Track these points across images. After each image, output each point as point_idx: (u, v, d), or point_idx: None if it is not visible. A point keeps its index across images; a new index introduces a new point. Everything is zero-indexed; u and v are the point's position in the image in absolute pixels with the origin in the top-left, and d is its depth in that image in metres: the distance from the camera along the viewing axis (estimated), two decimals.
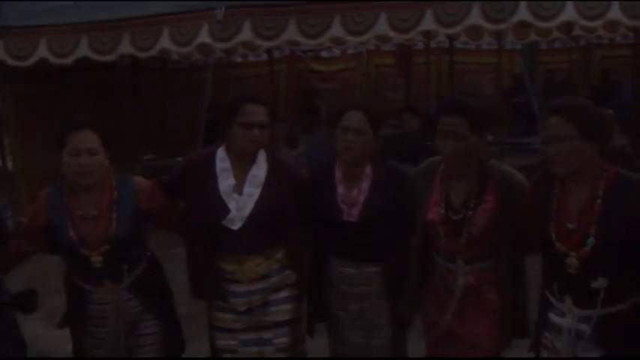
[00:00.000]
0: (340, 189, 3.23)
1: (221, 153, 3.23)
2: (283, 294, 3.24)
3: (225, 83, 10.62)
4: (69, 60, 7.67)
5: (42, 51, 7.65)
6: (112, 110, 10.13)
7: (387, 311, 3.26)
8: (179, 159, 11.10)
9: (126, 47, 7.49)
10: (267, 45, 7.99)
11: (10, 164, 9.81)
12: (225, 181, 3.15)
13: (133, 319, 3.13)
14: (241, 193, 3.13)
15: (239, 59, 12.09)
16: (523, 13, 6.56)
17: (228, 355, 3.26)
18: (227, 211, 3.10)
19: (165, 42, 7.31)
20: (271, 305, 3.22)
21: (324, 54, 12.57)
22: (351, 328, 3.30)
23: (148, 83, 10.86)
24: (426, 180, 3.07)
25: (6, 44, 7.75)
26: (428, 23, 6.77)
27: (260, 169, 3.18)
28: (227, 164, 3.19)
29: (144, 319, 3.16)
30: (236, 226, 3.09)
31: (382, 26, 6.77)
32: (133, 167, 10.63)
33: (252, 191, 3.14)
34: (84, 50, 7.58)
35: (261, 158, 3.21)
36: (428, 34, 9.90)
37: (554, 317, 2.68)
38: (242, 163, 3.18)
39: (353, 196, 3.20)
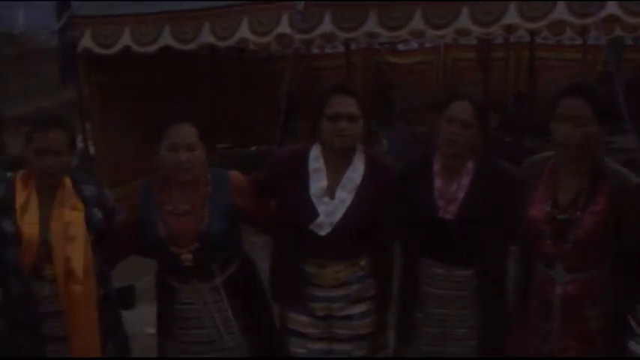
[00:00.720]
0: (438, 183, 3.00)
1: (315, 151, 3.05)
2: (365, 307, 3.06)
3: (302, 74, 10.67)
4: (152, 48, 7.78)
5: (126, 39, 7.77)
6: (190, 99, 10.34)
7: (472, 321, 3.03)
8: (253, 148, 11.41)
9: (206, 36, 7.55)
10: (347, 36, 7.95)
11: (91, 149, 10.10)
12: (317, 183, 2.98)
13: (221, 323, 3.00)
14: (333, 197, 2.96)
15: (316, 50, 12.12)
16: (612, 7, 6.32)
17: None
18: (316, 215, 2.93)
19: (244, 32, 7.34)
20: (352, 319, 3.06)
21: (400, 47, 12.44)
22: (427, 334, 3.09)
23: (226, 73, 11.01)
24: (532, 177, 2.86)
25: (92, 33, 7.91)
26: (511, 17, 6.59)
27: (356, 172, 2.99)
28: (320, 164, 3.01)
29: (230, 328, 3.02)
30: (323, 232, 2.93)
31: (464, 20, 6.61)
32: (209, 155, 10.83)
33: (345, 196, 2.96)
34: (166, 39, 7.67)
35: (358, 159, 3.02)
36: (508, 28, 9.67)
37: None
38: (337, 163, 3.00)
39: (451, 191, 2.97)
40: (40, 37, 24.27)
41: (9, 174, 2.97)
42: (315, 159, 3.03)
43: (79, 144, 13.76)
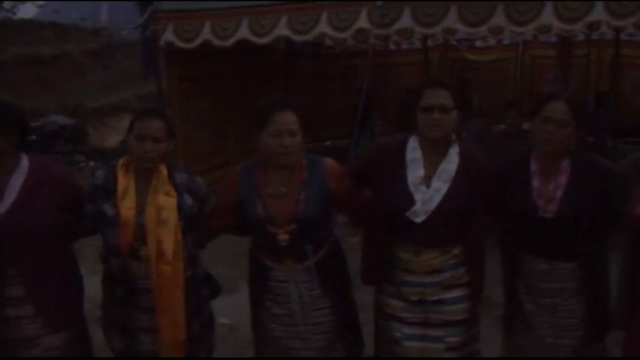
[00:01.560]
0: (536, 183, 3.10)
1: (413, 142, 3.15)
2: (458, 292, 3.13)
3: (379, 70, 10.64)
4: (229, 42, 7.88)
5: (206, 33, 7.92)
6: (266, 93, 10.46)
7: (582, 310, 3.12)
8: (328, 143, 11.46)
9: (283, 30, 7.60)
10: (426, 32, 7.89)
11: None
12: (415, 172, 3.07)
13: (310, 300, 3.14)
14: (429, 185, 3.04)
15: (392, 46, 12.08)
16: None
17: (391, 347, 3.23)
18: (412, 202, 3.02)
19: (323, 27, 7.35)
20: (446, 304, 3.12)
21: (478, 43, 12.29)
22: (541, 324, 3.19)
23: (302, 68, 11.10)
24: (635, 174, 2.92)
25: (174, 27, 8.08)
26: (598, 14, 6.38)
27: (451, 164, 3.07)
28: (418, 154, 3.10)
29: (320, 305, 3.16)
30: (419, 219, 3.01)
31: (547, 16, 6.46)
32: None
33: (440, 186, 3.03)
34: (243, 32, 7.76)
35: (454, 151, 3.09)
36: (591, 26, 9.39)
37: None
38: (433, 155, 3.09)
39: (549, 190, 3.06)
40: (122, 32, 25.04)
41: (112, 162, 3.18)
42: (413, 149, 3.13)
43: None
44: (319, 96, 11.13)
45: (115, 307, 3.19)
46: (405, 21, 6.93)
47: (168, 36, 8.12)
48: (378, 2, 6.88)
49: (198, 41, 8.01)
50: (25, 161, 3.07)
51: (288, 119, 2.97)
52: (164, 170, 3.07)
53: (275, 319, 3.20)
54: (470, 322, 3.20)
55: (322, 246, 3.15)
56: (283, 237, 3.03)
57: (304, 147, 3.09)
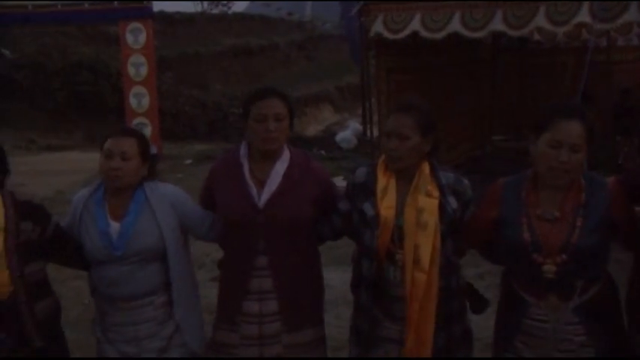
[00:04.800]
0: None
1: None
2: None
3: (592, 68, 10.09)
4: (440, 35, 7.88)
5: (415, 24, 7.96)
6: (471, 87, 10.34)
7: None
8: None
9: (497, 24, 7.46)
10: None
11: (369, 132, 10.52)
12: None
13: (570, 348, 2.63)
14: None
15: (604, 43, 11.40)
16: None
17: None
18: None
19: (540, 20, 7.12)
20: None
21: None
22: None
23: (508, 64, 10.81)
24: None
25: (384, 18, 8.20)
26: None
27: None
28: None
29: (583, 354, 2.64)
30: None
31: None
32: (484, 147, 10.78)
33: None
34: (455, 26, 7.72)
35: None
36: None
37: None
38: None
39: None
40: (325, 26, 25.88)
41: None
42: None
43: (358, 126, 14.40)
44: (525, 93, 10.76)
45: (359, 314, 2.93)
46: (632, 14, 6.53)
47: (378, 27, 8.25)
48: None
49: (406, 32, 8.08)
50: (287, 152, 2.96)
51: (573, 130, 2.51)
52: (426, 169, 2.79)
53: None
54: None
55: (595, 282, 2.65)
56: (550, 268, 2.57)
57: (582, 165, 2.59)
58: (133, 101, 11.39)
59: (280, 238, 2.91)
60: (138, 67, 11.33)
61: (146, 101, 11.42)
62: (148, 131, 10.87)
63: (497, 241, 2.71)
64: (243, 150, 2.99)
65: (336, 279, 4.20)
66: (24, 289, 2.74)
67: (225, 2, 21.60)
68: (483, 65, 10.47)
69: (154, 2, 11.67)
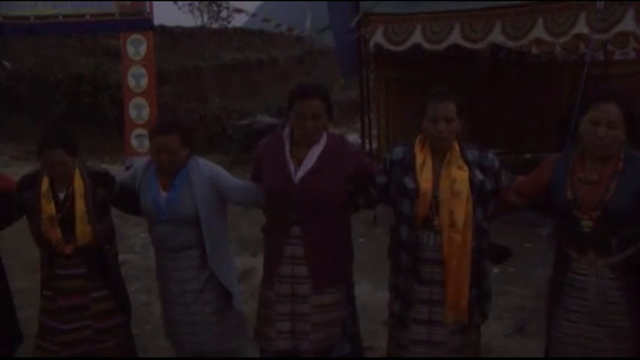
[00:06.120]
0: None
1: None
2: None
3: (588, 81, 10.14)
4: (441, 46, 7.92)
5: (417, 37, 8.01)
6: (469, 100, 10.36)
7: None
8: (528, 156, 11.11)
9: (497, 36, 7.52)
10: None
11: (368, 144, 10.54)
12: None
13: (606, 300, 3.03)
14: None
15: (601, 57, 11.47)
16: None
17: None
18: None
19: (538, 32, 7.17)
20: None
21: None
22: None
23: (506, 77, 10.85)
24: None
25: (384, 30, 8.25)
26: None
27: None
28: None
29: (616, 309, 3.03)
30: None
31: None
32: None
33: None
34: (456, 37, 7.77)
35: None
36: None
37: None
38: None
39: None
40: (324, 40, 25.95)
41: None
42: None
43: (357, 138, 14.44)
44: (522, 106, 10.80)
45: (398, 274, 3.37)
46: (627, 23, 6.56)
47: (378, 38, 8.29)
48: (599, 5, 6.57)
49: (408, 44, 8.12)
50: (325, 137, 3.39)
51: (610, 110, 2.96)
52: (457, 147, 3.28)
53: (569, 314, 3.13)
54: None
55: (630, 244, 3.02)
56: (587, 223, 3.01)
57: (624, 140, 3.03)
58: (132, 112, 11.38)
59: (313, 212, 3.33)
60: (138, 78, 11.33)
61: (146, 112, 11.41)
62: (147, 143, 10.86)
63: (549, 202, 3.18)
64: (287, 131, 3.43)
65: None
66: (102, 235, 3.67)
67: (224, 17, 21.66)
68: (481, 78, 10.51)
69: (155, 16, 11.73)
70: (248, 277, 5.88)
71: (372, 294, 5.24)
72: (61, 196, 3.59)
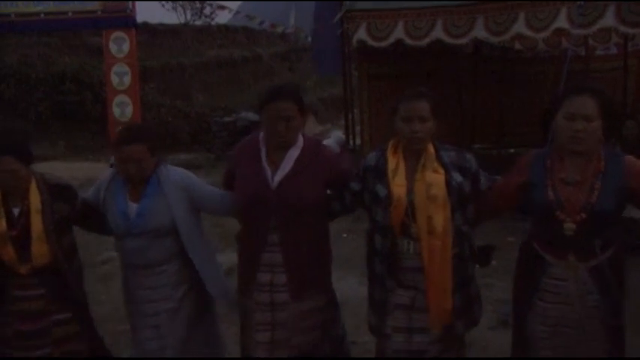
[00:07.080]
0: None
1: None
2: None
3: (573, 77, 10.22)
4: (424, 42, 7.96)
5: (399, 32, 8.04)
6: (452, 95, 10.42)
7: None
8: (511, 151, 11.18)
9: (479, 31, 7.56)
10: (632, 32, 7.48)
11: (352, 140, 10.57)
12: None
13: (585, 305, 2.93)
14: None
15: (582, 52, 11.55)
16: None
17: None
18: None
19: (520, 27, 7.23)
20: None
21: None
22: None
23: (488, 72, 10.91)
24: None
25: (367, 26, 8.26)
26: None
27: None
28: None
29: (592, 317, 2.94)
30: None
31: None
32: None
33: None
34: (438, 33, 7.80)
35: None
36: None
37: None
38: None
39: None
40: (308, 37, 25.97)
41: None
42: None
43: (341, 134, 14.46)
44: (505, 101, 10.87)
45: (374, 284, 3.25)
46: (609, 19, 6.63)
47: (361, 34, 8.31)
48: (580, 1, 6.62)
49: (390, 40, 8.15)
50: (301, 139, 3.28)
51: (585, 103, 2.87)
52: (431, 149, 3.12)
53: (545, 319, 3.03)
54: None
55: (610, 246, 2.95)
56: (570, 226, 2.88)
57: (601, 138, 2.92)
58: (116, 110, 11.34)
59: (291, 217, 3.22)
60: (121, 76, 11.29)
61: (129, 110, 11.37)
62: None
63: (526, 204, 3.04)
64: (262, 135, 3.32)
65: None
66: (62, 254, 3.32)
67: (208, 14, 21.61)
68: (464, 74, 10.55)
69: (138, 13, 11.68)
70: (233, 273, 5.87)
71: (355, 289, 5.24)
72: (16, 211, 3.25)
